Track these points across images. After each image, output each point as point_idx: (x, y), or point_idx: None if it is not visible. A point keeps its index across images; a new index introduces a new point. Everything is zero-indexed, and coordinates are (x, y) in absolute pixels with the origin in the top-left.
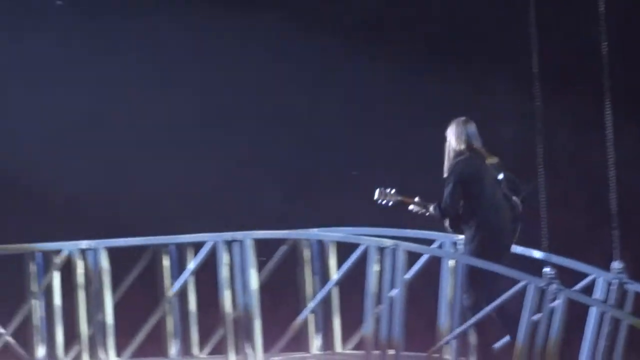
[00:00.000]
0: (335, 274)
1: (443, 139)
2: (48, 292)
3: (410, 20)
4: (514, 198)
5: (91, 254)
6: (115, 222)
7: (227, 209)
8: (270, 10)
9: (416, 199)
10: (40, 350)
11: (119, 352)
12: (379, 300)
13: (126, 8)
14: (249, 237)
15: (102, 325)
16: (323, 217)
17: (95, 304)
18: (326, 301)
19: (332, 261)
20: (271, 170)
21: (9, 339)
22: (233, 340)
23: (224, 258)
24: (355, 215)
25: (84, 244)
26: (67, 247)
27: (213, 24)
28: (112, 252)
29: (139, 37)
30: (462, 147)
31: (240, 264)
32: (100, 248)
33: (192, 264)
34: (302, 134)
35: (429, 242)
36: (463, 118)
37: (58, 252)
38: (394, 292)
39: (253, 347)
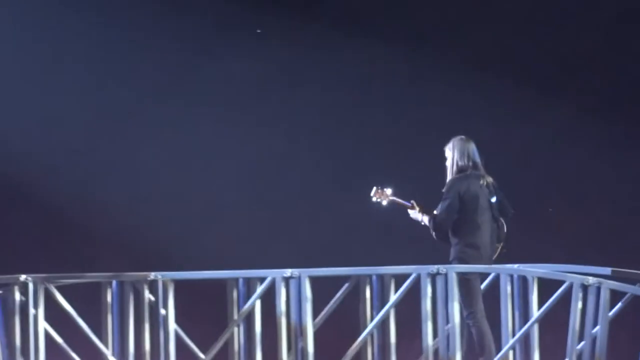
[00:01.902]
0: (536, 311)
1: None
2: (249, 319)
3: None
4: (501, 219)
5: (294, 282)
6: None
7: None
8: None
9: (411, 202)
10: None
11: None
12: (580, 338)
13: None
14: (451, 270)
15: (303, 353)
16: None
17: (295, 332)
18: (526, 338)
19: (534, 296)
20: None
21: None
22: None
23: (427, 290)
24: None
25: (289, 272)
26: (272, 274)
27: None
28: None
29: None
30: (466, 163)
31: (442, 296)
32: (304, 276)
33: (394, 295)
34: None
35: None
36: (464, 136)
37: (262, 279)
38: (597, 330)
39: None
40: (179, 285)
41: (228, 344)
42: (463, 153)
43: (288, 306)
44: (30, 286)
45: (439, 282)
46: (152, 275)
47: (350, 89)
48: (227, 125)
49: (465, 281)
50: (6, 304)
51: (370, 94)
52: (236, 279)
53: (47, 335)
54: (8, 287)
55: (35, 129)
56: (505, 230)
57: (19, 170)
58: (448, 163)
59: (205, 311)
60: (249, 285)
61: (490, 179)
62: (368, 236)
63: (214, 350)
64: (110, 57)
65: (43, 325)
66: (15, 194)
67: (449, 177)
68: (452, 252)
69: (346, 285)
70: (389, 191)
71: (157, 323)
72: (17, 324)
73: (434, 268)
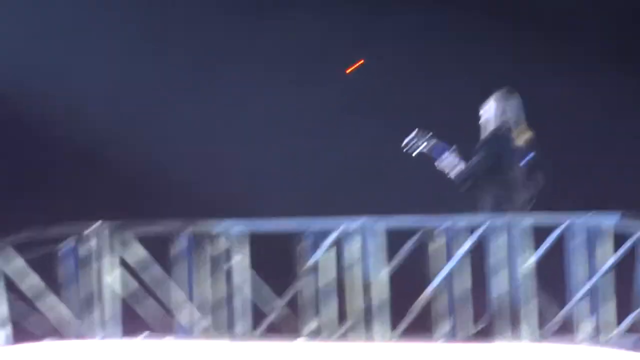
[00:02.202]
0: (608, 261)
1: None
2: (320, 269)
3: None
4: (534, 178)
5: (365, 231)
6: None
7: None
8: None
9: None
10: (310, 326)
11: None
12: None
13: None
14: (519, 221)
15: (376, 302)
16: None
17: (368, 280)
18: (597, 288)
19: (607, 247)
20: None
21: (282, 310)
22: (501, 324)
23: (498, 241)
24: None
25: (359, 222)
26: (340, 224)
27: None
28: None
29: None
30: (504, 120)
31: (511, 248)
32: (375, 225)
33: (465, 246)
34: None
35: None
36: (506, 90)
37: (331, 230)
38: None
39: (521, 331)
40: (252, 235)
41: (298, 295)
42: (503, 110)
43: (360, 256)
44: (106, 234)
45: (507, 233)
46: (225, 223)
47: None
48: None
49: None
50: (81, 252)
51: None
52: (306, 230)
53: (122, 283)
54: (83, 234)
55: (110, 95)
56: (539, 185)
57: (97, 130)
58: (490, 115)
59: (276, 262)
60: (317, 235)
61: (528, 135)
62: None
63: (286, 298)
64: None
65: (118, 273)
66: (94, 150)
67: (488, 129)
68: (484, 205)
69: (418, 234)
70: (429, 135)
71: (231, 272)
72: (92, 272)
73: (504, 219)
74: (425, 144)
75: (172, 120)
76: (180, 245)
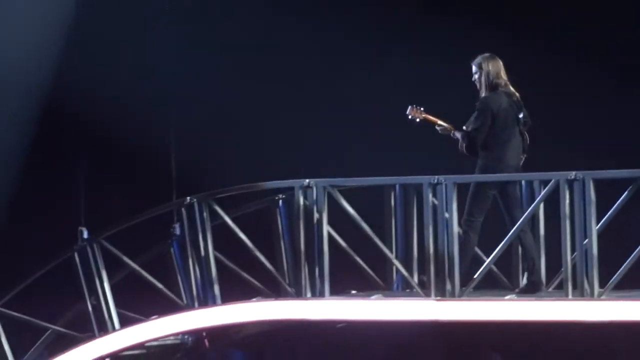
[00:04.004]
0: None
1: None
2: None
3: None
4: (526, 133)
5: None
6: None
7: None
8: None
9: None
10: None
11: (601, 284)
12: None
13: None
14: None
15: (587, 255)
16: None
17: (581, 233)
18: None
19: None
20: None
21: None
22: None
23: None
24: None
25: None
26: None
27: None
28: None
29: None
30: (499, 81)
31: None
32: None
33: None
34: None
35: None
36: (493, 54)
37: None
38: None
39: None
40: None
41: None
42: (495, 71)
43: (573, 209)
44: (314, 190)
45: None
46: (435, 178)
47: None
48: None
49: (482, 189)
50: (290, 208)
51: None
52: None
53: (331, 239)
54: (292, 191)
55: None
56: (528, 142)
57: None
58: (480, 79)
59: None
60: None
61: (517, 95)
62: None
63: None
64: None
65: (326, 229)
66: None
67: (482, 93)
68: (479, 163)
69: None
70: (422, 109)
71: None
72: (301, 227)
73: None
74: (419, 117)
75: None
76: (390, 200)
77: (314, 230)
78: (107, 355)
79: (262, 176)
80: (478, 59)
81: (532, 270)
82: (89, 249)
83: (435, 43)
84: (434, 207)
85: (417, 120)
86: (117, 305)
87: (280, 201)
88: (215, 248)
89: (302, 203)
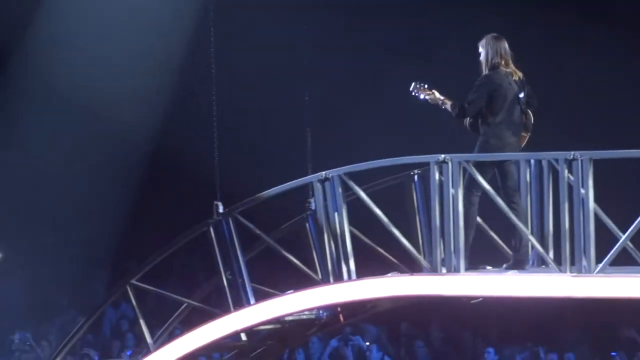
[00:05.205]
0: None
1: None
2: None
3: None
4: (529, 111)
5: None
6: None
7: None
8: None
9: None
10: None
11: None
12: None
13: None
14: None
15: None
16: None
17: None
18: None
19: None
20: None
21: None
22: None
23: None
24: None
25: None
26: None
27: None
28: None
29: None
30: (499, 60)
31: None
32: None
33: None
34: None
35: None
36: (496, 34)
37: None
38: None
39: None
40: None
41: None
42: (496, 50)
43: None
44: (449, 165)
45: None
46: (572, 154)
47: None
48: None
49: (481, 168)
50: (426, 183)
51: None
52: None
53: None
54: (427, 166)
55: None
56: (532, 121)
57: None
58: (482, 58)
59: (621, 191)
60: None
61: (520, 74)
62: None
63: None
64: None
65: (461, 205)
66: None
67: (483, 71)
68: (478, 142)
69: None
70: (425, 86)
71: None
72: (436, 203)
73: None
74: (422, 94)
75: None
76: (526, 175)
77: (449, 206)
78: (242, 330)
79: (395, 154)
80: (482, 40)
81: (519, 248)
82: (224, 223)
83: None
84: (569, 184)
85: (421, 97)
86: (252, 280)
87: (416, 176)
88: (349, 223)
89: (437, 178)
